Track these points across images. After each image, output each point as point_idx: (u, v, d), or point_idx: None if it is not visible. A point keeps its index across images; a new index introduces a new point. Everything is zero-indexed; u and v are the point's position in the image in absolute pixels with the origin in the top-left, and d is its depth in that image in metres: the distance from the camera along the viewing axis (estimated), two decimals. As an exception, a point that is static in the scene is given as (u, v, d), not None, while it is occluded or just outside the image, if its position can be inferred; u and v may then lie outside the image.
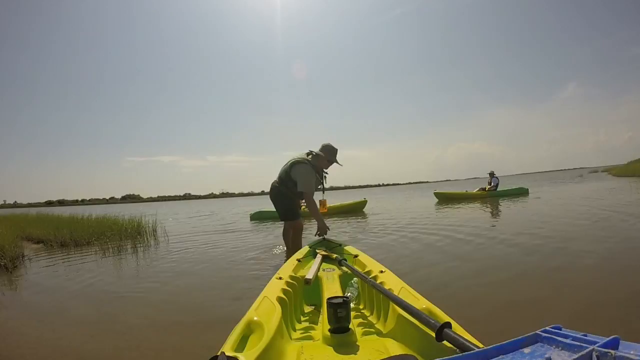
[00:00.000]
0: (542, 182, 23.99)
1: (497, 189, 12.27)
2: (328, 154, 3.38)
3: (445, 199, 12.33)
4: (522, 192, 12.25)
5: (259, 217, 9.43)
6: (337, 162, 3.44)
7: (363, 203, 10.37)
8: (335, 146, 3.43)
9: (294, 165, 3.33)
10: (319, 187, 3.53)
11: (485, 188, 12.43)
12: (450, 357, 0.49)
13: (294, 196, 3.44)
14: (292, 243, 3.56)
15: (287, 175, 3.36)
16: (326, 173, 3.48)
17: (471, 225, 5.45)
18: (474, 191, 12.58)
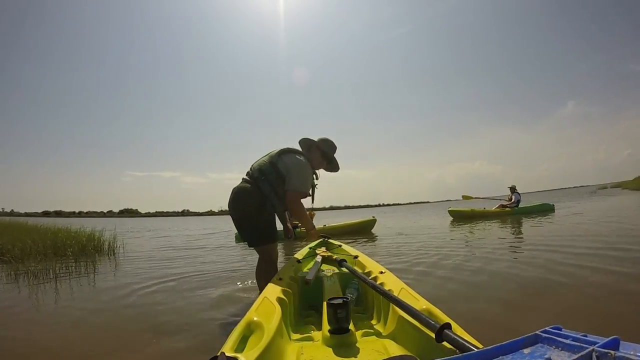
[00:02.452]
0: (557, 199, 22.05)
1: (519, 206, 11.12)
2: (325, 148, 2.34)
3: (461, 217, 11.12)
4: (547, 209, 11.22)
5: None
6: (333, 164, 2.42)
7: (372, 222, 9.03)
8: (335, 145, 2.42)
9: (284, 154, 2.23)
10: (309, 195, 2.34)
11: (505, 205, 11.27)
12: (450, 357, 0.49)
13: (278, 203, 2.20)
14: (266, 277, 1.99)
15: (272, 167, 2.17)
16: (316, 178, 2.35)
17: (504, 246, 4.74)
18: (493, 208, 11.31)
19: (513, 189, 11.39)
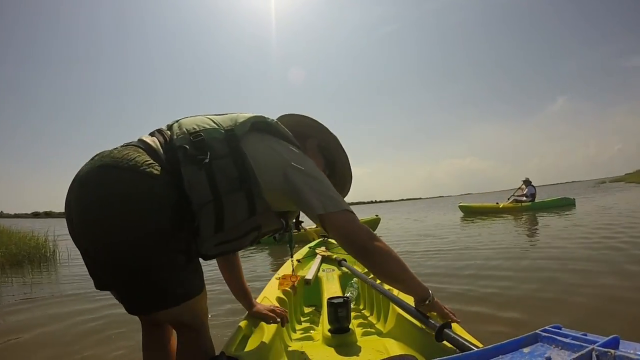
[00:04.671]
0: (565, 194, 21.44)
1: (535, 200, 10.35)
2: (335, 150, 1.00)
3: (473, 213, 10.64)
4: (566, 204, 10.52)
5: None
6: (343, 179, 1.03)
7: (376, 221, 8.14)
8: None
9: (263, 132, 0.85)
10: (281, 231, 0.95)
11: (519, 199, 10.54)
12: (449, 356, 0.49)
13: (208, 233, 0.75)
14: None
15: (230, 144, 0.77)
16: None
17: (511, 245, 4.48)
18: (507, 203, 10.59)
19: (527, 182, 10.47)
